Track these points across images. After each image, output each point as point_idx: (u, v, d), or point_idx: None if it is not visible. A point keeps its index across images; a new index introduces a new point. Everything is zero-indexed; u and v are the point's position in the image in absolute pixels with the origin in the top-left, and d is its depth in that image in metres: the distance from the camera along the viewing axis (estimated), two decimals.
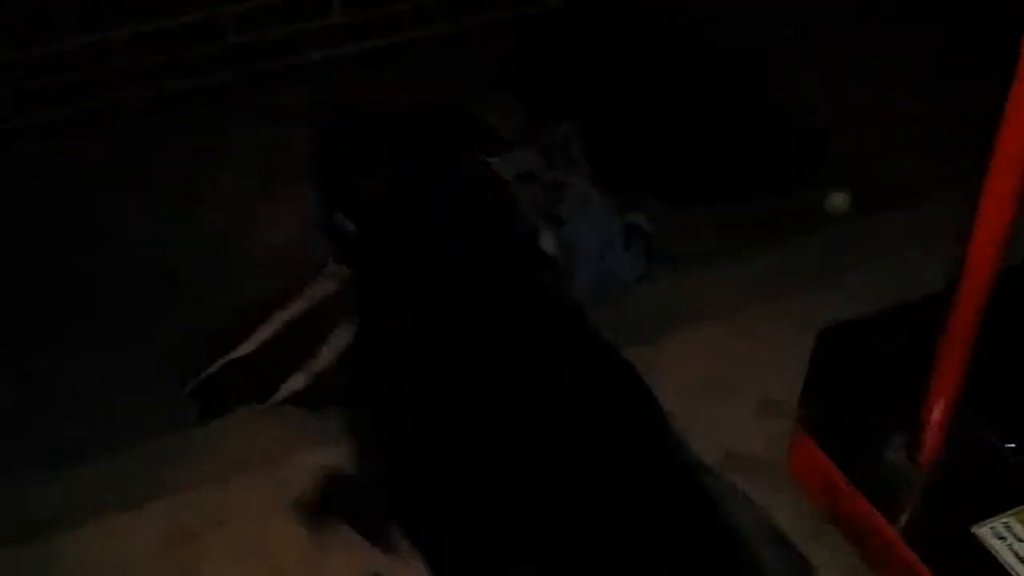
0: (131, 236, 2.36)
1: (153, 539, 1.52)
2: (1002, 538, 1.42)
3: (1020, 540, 1.41)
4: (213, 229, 2.37)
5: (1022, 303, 1.49)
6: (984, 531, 1.43)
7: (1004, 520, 1.43)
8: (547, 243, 2.14)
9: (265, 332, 1.87)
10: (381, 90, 2.63)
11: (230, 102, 2.66)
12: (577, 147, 2.50)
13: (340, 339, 1.76)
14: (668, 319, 1.89)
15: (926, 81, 2.72)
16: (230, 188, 2.46)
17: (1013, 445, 1.49)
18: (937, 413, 1.45)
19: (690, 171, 2.61)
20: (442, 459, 1.44)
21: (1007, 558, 1.40)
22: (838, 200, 2.50)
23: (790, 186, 2.55)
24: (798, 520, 1.53)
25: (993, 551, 1.41)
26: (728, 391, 1.74)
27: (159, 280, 2.26)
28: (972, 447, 1.49)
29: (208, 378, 1.87)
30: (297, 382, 1.77)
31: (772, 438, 1.65)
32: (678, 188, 2.56)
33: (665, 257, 2.36)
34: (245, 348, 1.86)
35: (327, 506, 1.51)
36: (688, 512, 1.37)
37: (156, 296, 2.22)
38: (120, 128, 2.61)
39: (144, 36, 2.58)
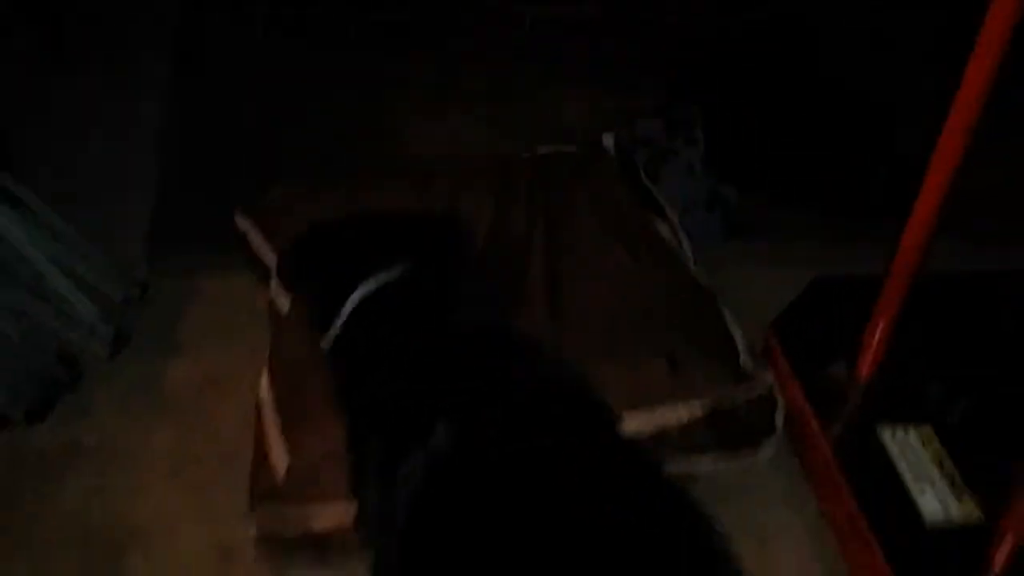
0: None
1: None
2: (896, 439, 1.75)
3: (911, 446, 1.74)
4: None
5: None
6: (886, 434, 1.77)
7: (904, 428, 1.76)
8: None
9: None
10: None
11: None
12: (699, 127, 2.87)
13: None
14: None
15: None
16: None
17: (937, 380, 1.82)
18: (876, 335, 1.80)
19: (796, 177, 2.91)
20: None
21: (895, 455, 1.73)
22: None
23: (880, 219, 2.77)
24: None
25: (887, 448, 1.75)
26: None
27: None
28: (902, 374, 1.83)
29: None
30: None
31: None
32: (781, 186, 2.85)
33: (742, 231, 2.70)
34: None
35: None
36: None
37: None
38: None
39: None
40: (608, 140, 2.66)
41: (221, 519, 1.82)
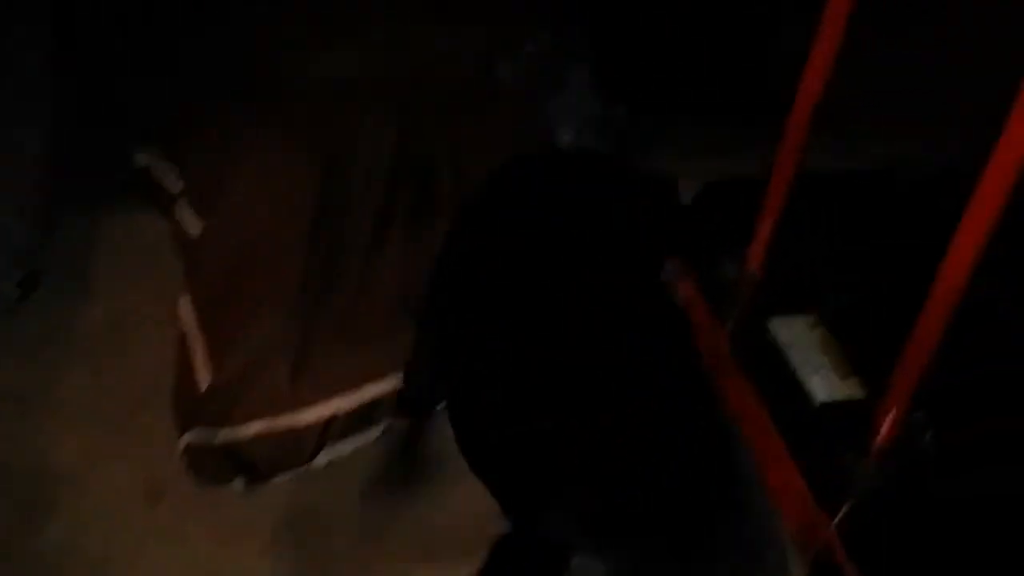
0: None
1: None
2: (786, 328, 1.88)
3: (799, 334, 1.88)
4: None
5: None
6: (775, 324, 1.89)
7: (792, 318, 1.89)
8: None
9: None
10: None
11: None
12: (587, 48, 2.93)
13: None
14: None
15: None
16: None
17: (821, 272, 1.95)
18: (764, 230, 1.91)
19: (686, 90, 2.99)
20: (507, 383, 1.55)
21: (785, 344, 1.86)
22: None
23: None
24: None
25: (777, 338, 1.87)
26: None
27: None
28: (789, 269, 1.95)
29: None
30: None
31: None
32: (671, 101, 2.93)
33: (635, 150, 2.80)
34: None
35: None
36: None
37: None
38: None
39: None
40: (505, 70, 2.72)
41: (144, 456, 1.85)
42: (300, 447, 1.81)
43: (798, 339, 1.89)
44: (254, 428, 1.80)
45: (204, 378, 1.88)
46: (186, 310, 1.98)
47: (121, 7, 2.70)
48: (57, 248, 2.15)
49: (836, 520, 1.64)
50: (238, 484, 1.81)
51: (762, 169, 2.01)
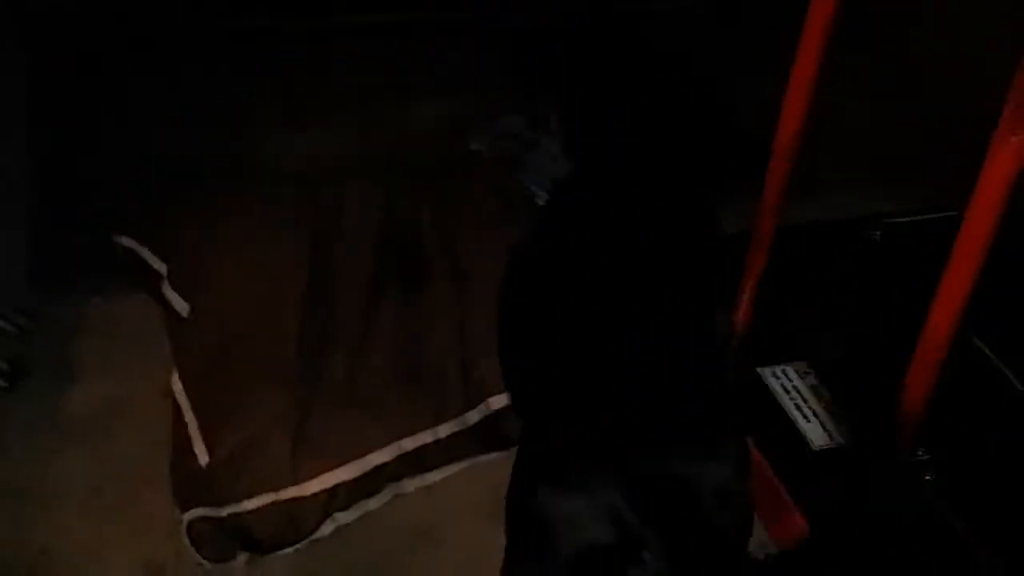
0: None
1: None
2: (777, 377, 1.93)
3: (790, 379, 1.92)
4: None
5: None
6: (767, 374, 1.94)
7: (783, 368, 1.94)
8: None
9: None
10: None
11: None
12: (555, 119, 3.02)
13: None
14: None
15: None
16: None
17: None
18: (747, 288, 1.97)
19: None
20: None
21: (778, 392, 1.91)
22: None
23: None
24: None
25: (770, 387, 1.92)
26: None
27: None
28: (775, 320, 2.01)
29: None
30: None
31: None
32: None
33: None
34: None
35: None
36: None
37: None
38: None
39: None
40: (477, 143, 2.80)
41: (145, 537, 1.83)
42: (304, 519, 1.80)
43: (790, 386, 1.94)
44: (257, 503, 1.79)
45: (203, 455, 1.87)
46: (177, 388, 1.98)
47: (95, 91, 2.74)
48: (43, 335, 2.14)
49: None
50: (241, 559, 1.80)
51: (740, 226, 2.08)
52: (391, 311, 2.11)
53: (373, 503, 1.90)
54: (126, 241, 2.26)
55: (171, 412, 1.97)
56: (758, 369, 1.96)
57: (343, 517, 1.86)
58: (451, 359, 2.02)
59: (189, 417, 1.92)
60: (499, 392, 1.96)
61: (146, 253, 2.23)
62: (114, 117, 2.62)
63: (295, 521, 1.80)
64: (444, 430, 1.93)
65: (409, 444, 1.89)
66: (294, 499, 1.80)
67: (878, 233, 2.13)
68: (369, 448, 1.86)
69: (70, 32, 2.72)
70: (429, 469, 1.93)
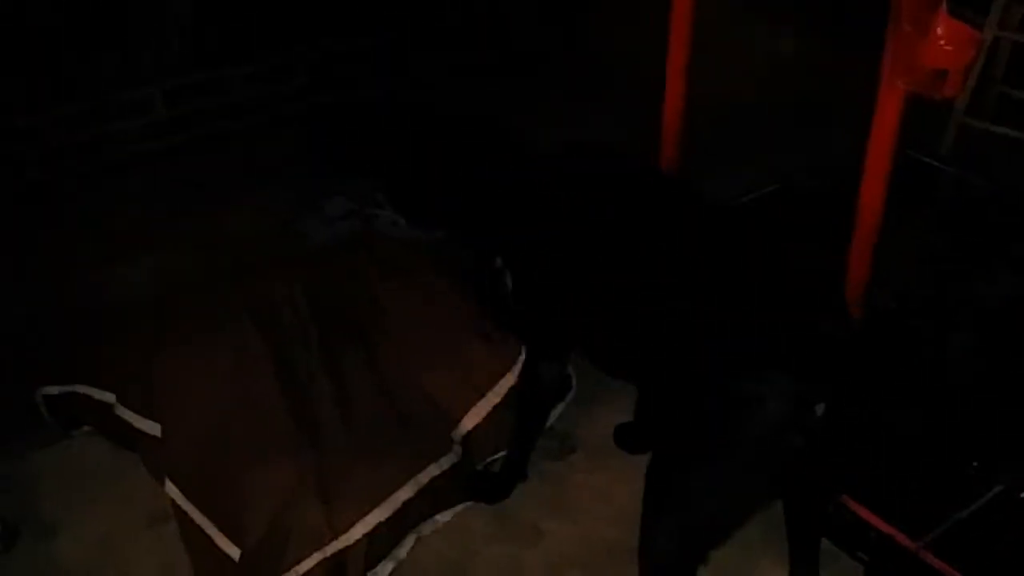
0: None
1: None
2: None
3: None
4: None
5: None
6: None
7: None
8: None
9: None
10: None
11: None
12: (382, 195, 3.19)
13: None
14: None
15: None
16: None
17: None
18: None
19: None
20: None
21: None
22: None
23: None
24: None
25: None
26: None
27: None
28: None
29: None
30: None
31: None
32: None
33: None
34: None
35: None
36: None
37: None
38: None
39: None
40: (310, 228, 2.93)
41: None
42: (353, 567, 1.89)
43: None
44: (308, 564, 1.85)
45: (230, 548, 1.88)
46: (177, 498, 1.97)
47: None
48: (8, 494, 2.05)
49: None
50: None
51: None
52: (353, 365, 2.20)
53: (402, 551, 1.99)
54: (54, 389, 2.21)
55: (177, 525, 1.97)
56: None
57: (382, 570, 1.95)
58: (423, 400, 2.17)
59: (201, 520, 1.93)
60: (464, 414, 2.15)
61: (85, 389, 2.19)
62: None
63: (345, 571, 1.88)
64: (445, 461, 2.06)
65: (424, 477, 2.01)
66: (340, 551, 1.88)
67: None
68: (394, 487, 1.96)
69: None
70: (441, 501, 2.06)
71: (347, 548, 1.88)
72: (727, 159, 2.83)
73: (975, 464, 1.93)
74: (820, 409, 1.47)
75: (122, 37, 3.23)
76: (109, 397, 2.15)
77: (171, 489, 1.99)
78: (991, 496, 1.89)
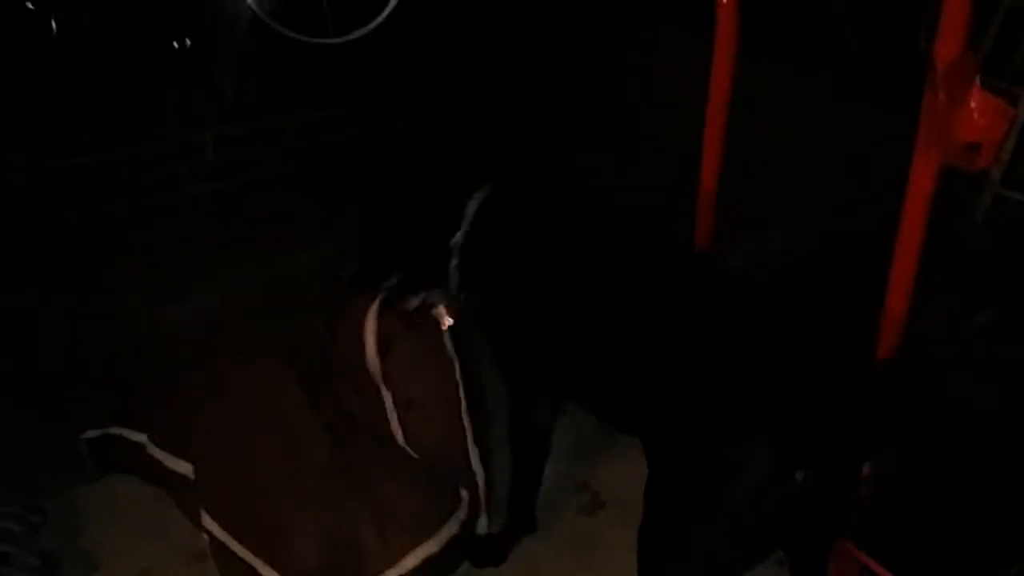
0: None
1: None
2: None
3: None
4: None
5: None
6: None
7: None
8: None
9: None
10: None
11: None
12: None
13: None
14: None
15: None
16: None
17: None
18: None
19: None
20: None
21: None
22: None
23: None
24: None
25: None
26: None
27: None
28: None
29: None
30: None
31: None
32: None
33: None
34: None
35: None
36: None
37: None
38: None
39: None
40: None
41: None
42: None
43: None
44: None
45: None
46: (211, 525, 2.02)
47: None
48: (52, 528, 2.10)
49: None
50: None
51: None
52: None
53: None
54: (93, 433, 2.27)
55: (214, 560, 2.02)
56: None
57: None
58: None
59: (243, 552, 1.97)
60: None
61: (118, 431, 2.25)
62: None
63: None
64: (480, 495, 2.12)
65: (462, 514, 2.06)
66: None
67: None
68: (442, 520, 2.02)
69: None
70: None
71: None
72: (760, 224, 2.87)
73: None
74: (800, 476, 1.48)
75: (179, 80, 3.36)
76: (141, 438, 2.21)
77: (208, 522, 2.03)
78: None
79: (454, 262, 1.98)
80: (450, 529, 2.02)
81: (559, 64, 3.92)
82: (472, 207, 1.96)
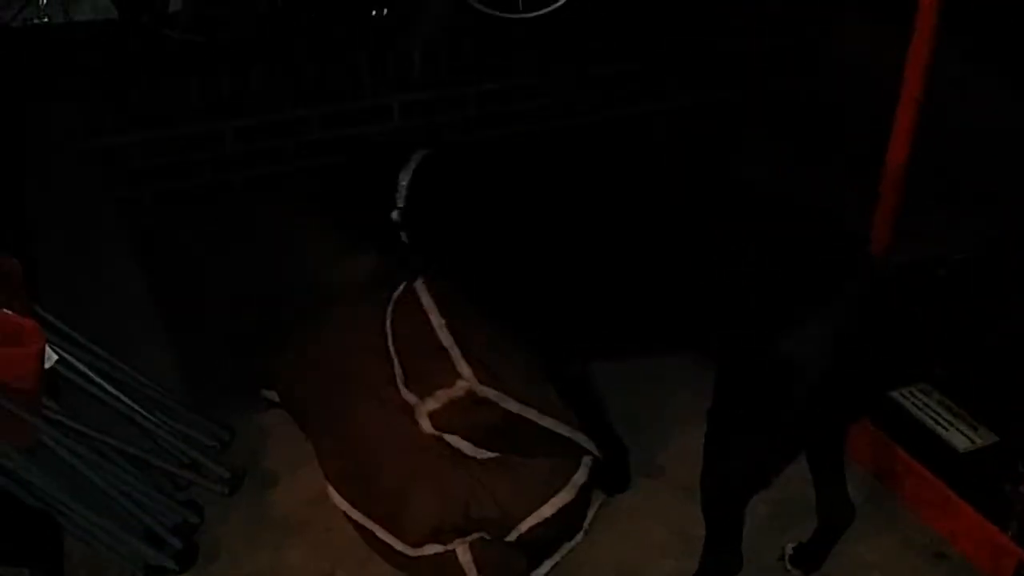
0: None
1: None
2: (910, 400, 2.23)
3: (921, 400, 2.22)
4: None
5: None
6: (898, 397, 2.24)
7: (908, 390, 2.24)
8: None
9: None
10: None
11: None
12: None
13: None
14: None
15: None
16: None
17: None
18: None
19: None
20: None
21: (914, 411, 2.20)
22: None
23: None
24: None
25: (906, 407, 2.21)
26: None
27: None
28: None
29: None
30: None
31: None
32: None
33: None
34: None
35: None
36: None
37: None
38: None
39: None
40: None
41: None
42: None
43: (922, 404, 2.24)
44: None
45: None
46: (338, 500, 2.10)
47: None
48: (242, 446, 2.27)
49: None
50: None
51: None
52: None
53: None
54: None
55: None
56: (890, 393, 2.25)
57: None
58: None
59: (367, 523, 2.05)
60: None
61: (269, 394, 2.39)
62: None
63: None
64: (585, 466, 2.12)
65: (580, 477, 2.09)
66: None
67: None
68: (572, 471, 2.08)
69: None
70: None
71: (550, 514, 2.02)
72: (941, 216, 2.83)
73: None
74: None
75: None
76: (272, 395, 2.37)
77: (334, 496, 2.10)
78: None
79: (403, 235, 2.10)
80: (581, 477, 2.08)
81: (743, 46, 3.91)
82: (404, 179, 2.07)
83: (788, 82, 3.93)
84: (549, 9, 3.64)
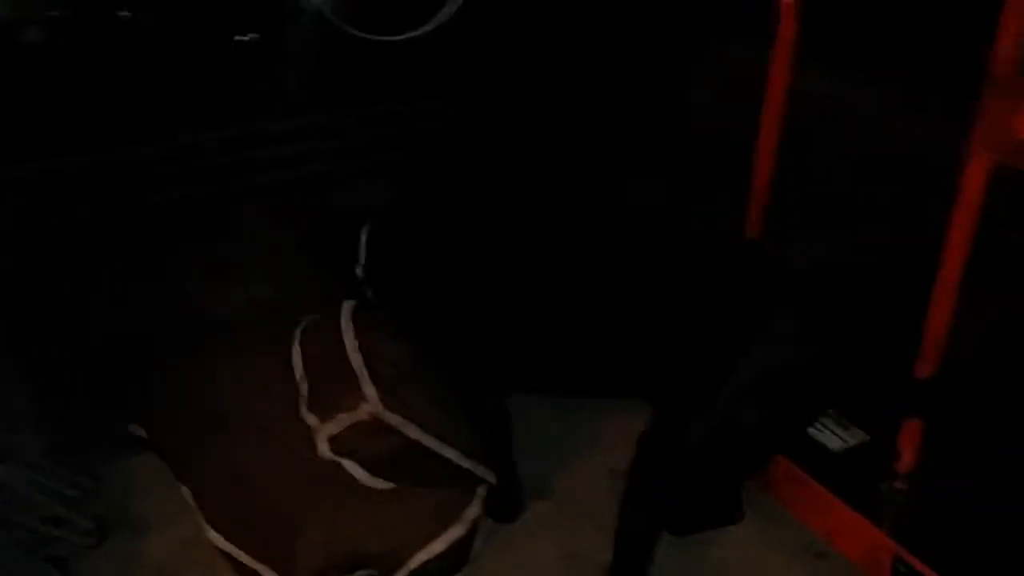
0: None
1: None
2: None
3: None
4: None
5: None
6: None
7: None
8: None
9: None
10: None
11: None
12: None
13: None
14: None
15: None
16: None
17: None
18: None
19: None
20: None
21: None
22: None
23: None
24: None
25: None
26: None
27: None
28: None
29: None
30: None
31: None
32: None
33: None
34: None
35: None
36: None
37: None
38: None
39: None
40: None
41: None
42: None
43: None
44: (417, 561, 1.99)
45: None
46: (216, 539, 2.04)
47: None
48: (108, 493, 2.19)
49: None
50: None
51: None
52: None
53: None
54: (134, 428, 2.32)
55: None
56: None
57: None
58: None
59: (251, 563, 1.99)
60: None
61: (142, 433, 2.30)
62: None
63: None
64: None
65: (474, 511, 2.07)
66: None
67: None
68: (465, 504, 2.05)
69: None
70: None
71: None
72: (809, 228, 2.88)
73: None
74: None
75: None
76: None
77: (212, 535, 2.03)
78: None
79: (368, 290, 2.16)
80: (474, 510, 2.05)
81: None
82: (363, 238, 2.16)
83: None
84: (421, 32, 3.61)
